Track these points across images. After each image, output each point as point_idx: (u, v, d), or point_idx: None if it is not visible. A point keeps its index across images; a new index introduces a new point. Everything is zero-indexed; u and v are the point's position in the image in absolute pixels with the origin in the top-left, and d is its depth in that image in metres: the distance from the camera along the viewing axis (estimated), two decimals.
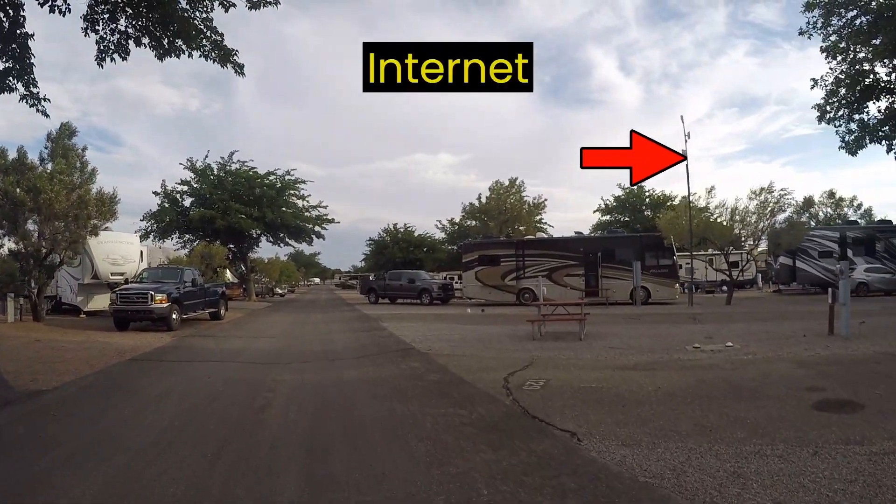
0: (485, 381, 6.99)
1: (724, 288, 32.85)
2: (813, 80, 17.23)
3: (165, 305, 14.92)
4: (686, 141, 24.27)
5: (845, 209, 46.48)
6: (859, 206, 47.84)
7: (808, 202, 23.41)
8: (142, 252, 22.38)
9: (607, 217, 51.73)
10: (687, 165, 24.75)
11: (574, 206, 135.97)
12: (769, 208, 23.50)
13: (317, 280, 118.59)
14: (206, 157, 36.70)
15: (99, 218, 16.88)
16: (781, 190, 23.48)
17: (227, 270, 37.74)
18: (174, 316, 15.28)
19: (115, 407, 6.20)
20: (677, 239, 25.91)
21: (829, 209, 45.77)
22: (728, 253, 25.78)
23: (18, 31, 7.67)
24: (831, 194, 46.25)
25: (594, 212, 53.19)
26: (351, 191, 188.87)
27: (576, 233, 32.13)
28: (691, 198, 25.22)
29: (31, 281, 16.14)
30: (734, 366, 7.69)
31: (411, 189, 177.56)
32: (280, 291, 56.53)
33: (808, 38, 16.74)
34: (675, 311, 19.77)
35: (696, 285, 25.52)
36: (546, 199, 49.37)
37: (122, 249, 20.14)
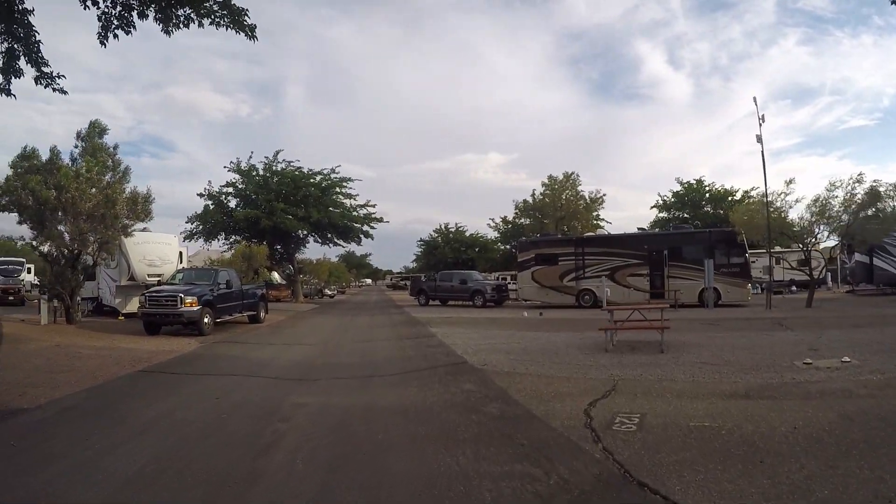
0: (560, 417, 5.29)
1: (794, 288, 30.03)
2: None
3: (196, 309, 13.94)
4: (760, 125, 21.70)
5: None
6: None
7: (875, 195, 20.78)
8: (181, 253, 21.80)
9: (664, 214, 48.48)
10: (763, 152, 22.31)
11: (624, 204, 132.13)
12: (858, 201, 20.74)
13: (368, 281, 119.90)
14: (251, 157, 36.31)
15: (132, 218, 16.13)
16: (874, 181, 20.75)
17: (275, 272, 37.24)
18: (206, 320, 14.32)
19: (89, 438, 4.92)
20: (752, 234, 23.35)
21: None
22: (809, 250, 23.10)
23: (17, 7, 7.23)
24: None
25: (651, 208, 50.00)
26: (401, 192, 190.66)
27: (638, 229, 29.81)
28: (762, 189, 22.68)
29: (64, 282, 15.47)
30: (870, 391, 5.96)
31: (461, 189, 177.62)
32: (329, 293, 55.89)
33: None
34: (754, 314, 17.52)
35: (771, 286, 23.07)
36: (605, 194, 46.51)
37: (159, 250, 19.50)
